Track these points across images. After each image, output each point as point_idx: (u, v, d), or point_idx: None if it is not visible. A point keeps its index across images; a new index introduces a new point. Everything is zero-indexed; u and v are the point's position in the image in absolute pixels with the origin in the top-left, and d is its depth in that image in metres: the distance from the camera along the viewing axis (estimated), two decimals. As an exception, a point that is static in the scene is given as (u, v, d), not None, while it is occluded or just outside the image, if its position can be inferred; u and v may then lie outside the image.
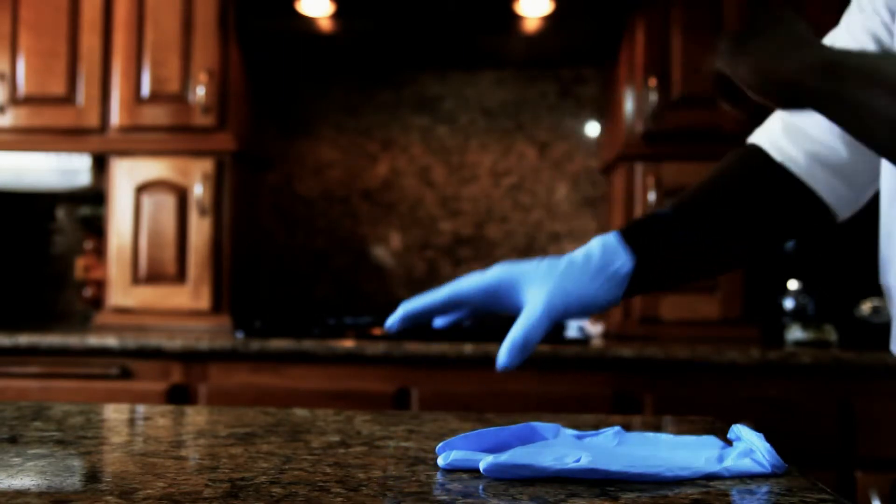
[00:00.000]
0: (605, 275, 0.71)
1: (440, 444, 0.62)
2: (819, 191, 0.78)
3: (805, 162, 0.78)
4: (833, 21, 0.87)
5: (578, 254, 0.73)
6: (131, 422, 0.80)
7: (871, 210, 0.82)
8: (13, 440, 0.66)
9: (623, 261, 0.72)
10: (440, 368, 1.87)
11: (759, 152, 0.81)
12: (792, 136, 0.79)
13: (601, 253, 0.72)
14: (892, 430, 1.74)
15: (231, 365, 1.91)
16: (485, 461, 0.56)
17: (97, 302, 2.41)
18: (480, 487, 0.53)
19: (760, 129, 0.84)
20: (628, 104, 2.13)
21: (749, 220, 0.79)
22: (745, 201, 0.79)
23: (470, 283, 0.72)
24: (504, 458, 0.56)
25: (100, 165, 2.28)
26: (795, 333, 2.00)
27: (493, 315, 0.74)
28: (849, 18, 0.82)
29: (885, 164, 0.75)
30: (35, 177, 2.27)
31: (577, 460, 0.55)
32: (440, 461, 0.59)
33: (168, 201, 2.18)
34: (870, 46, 0.77)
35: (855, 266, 2.21)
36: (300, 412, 0.83)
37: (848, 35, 0.80)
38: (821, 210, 0.79)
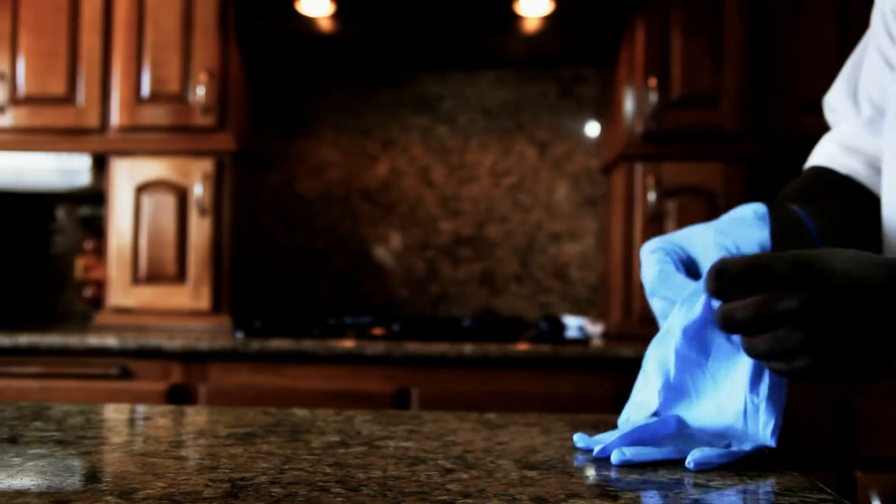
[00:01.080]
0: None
1: (597, 445, 0.62)
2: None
3: (865, 171, 0.82)
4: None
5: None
6: (131, 422, 0.80)
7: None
8: (13, 440, 0.66)
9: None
10: (440, 368, 1.87)
11: (823, 170, 0.85)
12: (850, 154, 0.83)
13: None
14: (892, 430, 1.74)
15: (231, 365, 1.91)
16: (690, 457, 0.57)
17: (97, 302, 2.41)
18: (480, 487, 0.53)
19: (814, 155, 0.89)
20: (628, 104, 2.13)
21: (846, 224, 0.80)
22: (836, 205, 0.81)
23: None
24: (706, 452, 0.58)
25: (100, 165, 2.28)
26: (795, 333, 2.00)
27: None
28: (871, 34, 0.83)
29: (887, 168, 0.75)
30: (35, 177, 2.27)
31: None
32: (615, 458, 0.59)
33: (168, 201, 2.18)
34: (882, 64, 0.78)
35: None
36: (300, 412, 0.83)
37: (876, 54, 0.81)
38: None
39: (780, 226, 0.70)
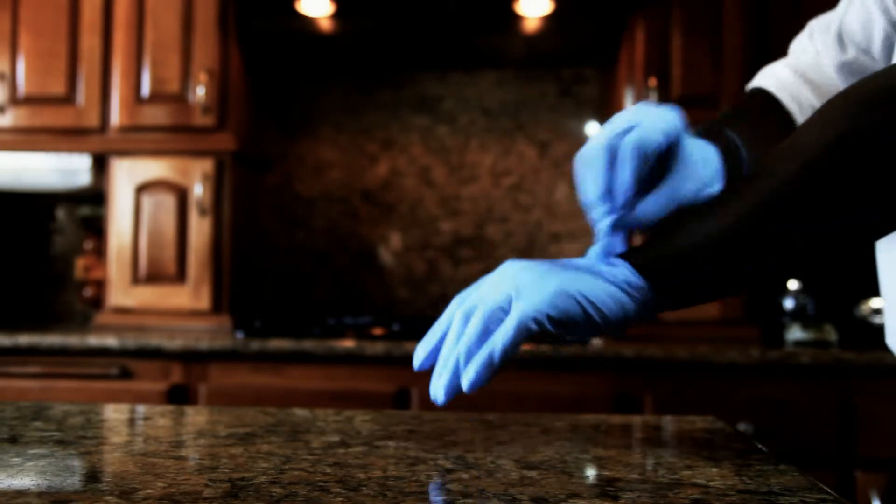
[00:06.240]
0: None
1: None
2: None
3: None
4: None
5: None
6: (131, 422, 0.80)
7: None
8: (13, 440, 0.66)
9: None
10: (440, 368, 1.86)
11: (767, 98, 0.77)
12: (806, 86, 0.77)
13: None
14: (892, 430, 1.74)
15: (231, 365, 1.91)
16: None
17: (97, 302, 2.41)
18: (480, 487, 0.53)
19: (762, 76, 0.80)
20: (628, 104, 2.13)
21: None
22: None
23: None
24: None
25: (100, 165, 2.28)
26: (795, 333, 2.01)
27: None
28: None
29: None
30: (35, 177, 2.27)
31: None
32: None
33: (168, 201, 2.18)
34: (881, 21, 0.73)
35: (855, 266, 2.21)
36: (300, 412, 0.83)
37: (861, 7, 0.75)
38: None
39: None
